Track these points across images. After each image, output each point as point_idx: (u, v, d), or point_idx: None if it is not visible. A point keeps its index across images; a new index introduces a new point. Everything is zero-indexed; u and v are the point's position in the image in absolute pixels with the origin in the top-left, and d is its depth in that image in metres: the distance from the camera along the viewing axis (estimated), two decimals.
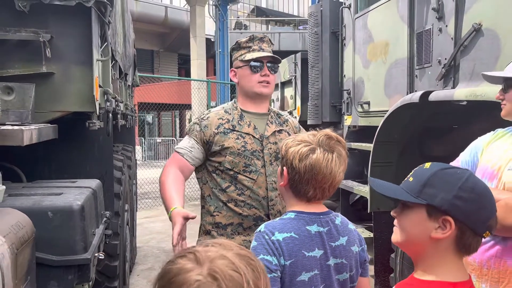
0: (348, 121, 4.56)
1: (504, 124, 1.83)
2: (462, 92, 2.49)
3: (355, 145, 4.26)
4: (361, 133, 4.46)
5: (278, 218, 1.43)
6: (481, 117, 2.72)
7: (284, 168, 1.43)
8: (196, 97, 13.51)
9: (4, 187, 1.20)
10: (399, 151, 3.41)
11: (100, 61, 2.43)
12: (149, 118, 24.95)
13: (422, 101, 2.79)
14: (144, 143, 19.58)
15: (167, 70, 27.50)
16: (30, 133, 1.71)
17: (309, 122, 5.09)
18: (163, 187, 1.98)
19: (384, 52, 3.79)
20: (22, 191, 1.93)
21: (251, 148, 2.04)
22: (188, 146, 2.06)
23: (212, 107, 12.94)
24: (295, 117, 5.63)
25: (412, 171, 1.20)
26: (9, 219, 1.43)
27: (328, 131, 1.47)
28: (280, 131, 2.14)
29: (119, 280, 3.12)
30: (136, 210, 6.21)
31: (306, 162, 1.37)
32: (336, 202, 4.73)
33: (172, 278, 0.76)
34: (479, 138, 1.90)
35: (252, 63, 2.10)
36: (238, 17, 28.61)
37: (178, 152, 2.06)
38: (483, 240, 1.64)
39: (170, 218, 1.81)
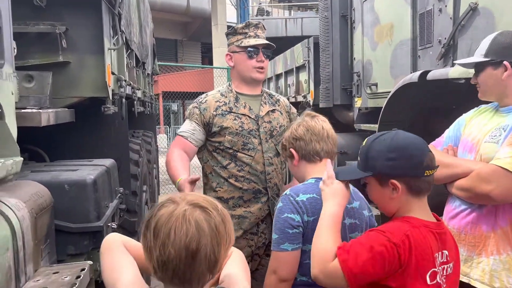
0: (358, 103, 4.63)
1: None
2: (456, 70, 2.56)
3: (365, 126, 4.35)
4: (371, 114, 4.52)
5: (301, 184, 1.67)
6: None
7: (291, 149, 1.72)
8: (218, 84, 13.71)
9: (21, 158, 1.40)
10: (404, 131, 3.49)
11: (111, 50, 2.62)
12: (174, 106, 25.35)
13: (421, 80, 2.87)
14: (169, 131, 19.97)
15: (190, 59, 27.77)
16: (47, 115, 1.92)
17: (321, 105, 5.18)
18: (169, 165, 2.15)
19: (389, 34, 3.85)
20: (43, 168, 2.16)
21: (248, 128, 2.20)
22: (190, 129, 2.21)
23: None
24: (309, 101, 5.73)
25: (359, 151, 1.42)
26: (29, 189, 1.64)
27: (307, 111, 1.83)
28: (273, 111, 2.31)
29: None
30: (158, 194, 6.48)
31: (302, 127, 1.70)
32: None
33: (159, 219, 0.94)
34: (463, 114, 2.00)
35: (249, 49, 2.24)
36: (260, 3, 28.48)
37: (181, 136, 2.21)
38: (461, 208, 1.78)
39: (178, 188, 1.99)
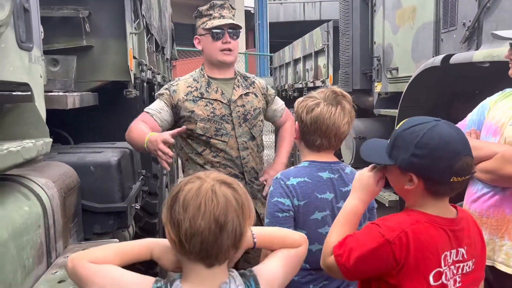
0: (378, 87, 4.59)
1: None
2: (481, 53, 2.52)
3: (384, 111, 4.32)
4: (391, 99, 4.48)
5: (293, 167, 1.61)
6: (505, 80, 2.73)
7: (296, 122, 1.62)
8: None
9: (50, 139, 1.45)
10: (425, 115, 3.45)
11: (133, 34, 2.65)
12: None
13: (444, 64, 2.83)
14: None
15: None
16: (73, 98, 1.97)
17: None
18: (130, 132, 2.00)
19: (411, 17, 3.78)
20: (69, 150, 2.22)
21: (220, 113, 2.14)
22: (158, 107, 2.12)
23: None
24: (328, 85, 5.70)
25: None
26: (58, 169, 1.70)
27: (335, 87, 1.63)
28: (247, 94, 2.23)
29: (159, 236, 3.44)
30: (177, 177, 6.57)
31: (312, 115, 1.54)
32: None
33: (187, 193, 0.97)
34: (487, 98, 1.97)
35: (214, 31, 2.15)
36: None
37: (147, 112, 2.10)
38: (483, 191, 1.77)
39: (147, 145, 1.84)
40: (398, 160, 1.20)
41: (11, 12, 1.19)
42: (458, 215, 1.27)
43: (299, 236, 1.19)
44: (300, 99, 1.64)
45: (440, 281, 1.18)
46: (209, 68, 2.23)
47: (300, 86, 7.15)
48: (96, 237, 1.98)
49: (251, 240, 1.09)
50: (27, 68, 1.39)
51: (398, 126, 1.27)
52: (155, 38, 4.07)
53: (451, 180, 1.16)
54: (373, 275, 1.21)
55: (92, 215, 1.96)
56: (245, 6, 20.29)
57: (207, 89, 2.17)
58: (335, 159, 1.64)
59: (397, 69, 4.09)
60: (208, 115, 2.12)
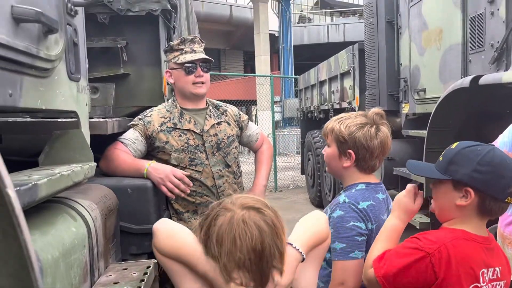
0: (405, 109, 4.59)
1: None
2: (510, 74, 2.52)
3: (413, 132, 4.30)
4: (419, 120, 4.47)
5: (353, 190, 1.60)
6: None
7: (350, 151, 1.59)
8: (261, 92, 13.87)
9: (95, 163, 1.54)
10: (455, 136, 3.44)
11: (167, 62, 2.77)
12: None
13: (473, 85, 2.83)
14: None
15: (233, 67, 28.21)
16: (112, 124, 2.07)
17: None
18: (110, 161, 2.09)
19: (438, 39, 3.80)
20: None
21: (194, 143, 2.21)
22: (132, 137, 2.18)
23: (276, 102, 13.23)
24: (354, 107, 5.72)
25: (443, 152, 1.38)
26: (99, 192, 1.78)
27: (375, 109, 1.66)
28: (219, 123, 2.31)
29: None
30: None
31: (378, 141, 1.57)
32: (395, 190, 4.79)
33: (220, 228, 1.01)
34: None
35: (186, 65, 2.23)
36: (302, 11, 28.56)
37: (122, 142, 2.16)
38: None
39: (148, 174, 2.03)
40: (458, 175, 1.25)
41: (64, 47, 1.30)
42: (488, 234, 1.32)
43: (326, 227, 1.23)
44: (345, 126, 1.59)
45: None
46: (182, 100, 2.31)
47: (326, 107, 7.19)
48: (133, 257, 2.04)
49: (298, 255, 1.10)
50: (75, 97, 1.49)
51: (453, 146, 1.33)
52: None
53: (506, 200, 1.22)
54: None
55: (128, 236, 2.02)
56: (269, 30, 20.64)
57: (180, 119, 2.24)
58: (377, 179, 1.69)
59: (424, 90, 4.09)
60: (182, 146, 2.19)
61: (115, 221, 1.86)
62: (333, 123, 1.64)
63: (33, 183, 1.02)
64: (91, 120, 2.01)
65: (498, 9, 2.95)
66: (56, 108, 1.30)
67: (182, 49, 2.27)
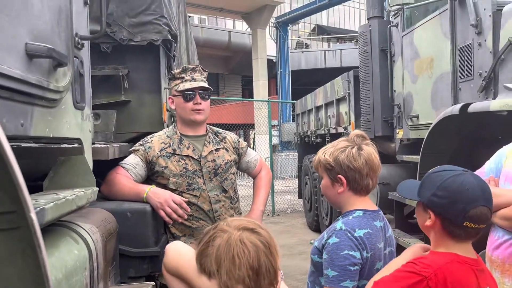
0: (400, 134, 4.68)
1: None
2: (498, 103, 2.62)
3: (407, 157, 4.38)
4: (413, 146, 4.55)
5: (351, 217, 1.59)
6: None
7: (340, 176, 1.61)
8: (259, 116, 14.03)
9: (97, 188, 1.60)
10: (447, 162, 3.51)
11: (167, 89, 2.86)
12: None
13: (462, 113, 2.93)
14: None
15: (231, 91, 28.52)
16: (113, 149, 2.14)
17: None
18: (111, 185, 2.16)
19: (429, 67, 3.93)
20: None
21: (192, 169, 2.29)
22: (133, 162, 2.26)
23: (273, 126, 13.37)
24: (350, 132, 5.81)
25: None
26: (100, 215, 1.84)
27: (356, 131, 1.71)
28: (217, 150, 2.39)
29: None
30: None
31: (362, 159, 1.58)
32: (391, 214, 4.84)
33: (218, 248, 1.08)
34: (504, 146, 2.05)
35: (186, 93, 2.33)
36: (299, 37, 29.09)
37: (123, 167, 2.23)
38: (504, 238, 1.82)
39: (148, 198, 2.10)
40: (423, 197, 1.36)
41: (71, 79, 1.39)
42: (477, 256, 1.38)
43: None
44: (329, 154, 1.63)
45: None
46: (182, 126, 2.40)
47: (323, 132, 7.29)
48: (131, 280, 2.08)
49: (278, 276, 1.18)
50: (80, 125, 1.57)
51: (432, 170, 1.42)
52: None
53: (464, 224, 1.27)
54: None
55: (127, 259, 2.07)
56: (267, 55, 20.99)
57: (179, 145, 2.32)
58: (375, 206, 1.71)
59: (417, 116, 4.20)
60: (180, 171, 2.27)
61: (115, 244, 1.91)
62: (319, 155, 1.68)
63: (40, 207, 1.09)
64: (93, 146, 2.08)
65: (485, 40, 3.07)
66: (61, 136, 1.38)
67: (183, 78, 2.37)
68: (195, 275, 1.13)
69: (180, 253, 1.24)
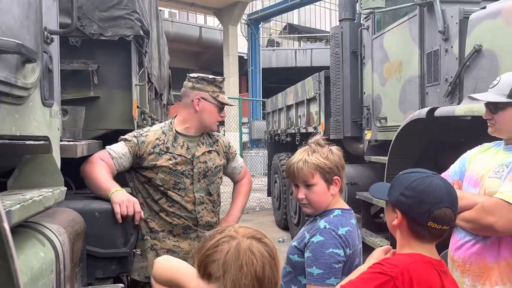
0: (368, 135, 4.78)
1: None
2: (462, 108, 2.71)
3: (375, 158, 4.48)
4: (381, 147, 4.66)
5: (331, 216, 1.65)
6: (486, 133, 2.91)
7: (336, 178, 1.67)
8: (229, 113, 13.95)
9: (65, 188, 1.55)
10: (413, 164, 3.62)
11: (138, 86, 2.80)
12: None
13: (429, 117, 3.02)
14: None
15: None
16: (82, 147, 2.08)
17: (331, 137, 5.33)
18: (91, 167, 2.11)
19: (398, 71, 4.02)
20: (74, 196, 2.31)
21: (181, 168, 2.29)
22: (121, 152, 2.23)
23: (243, 123, 13.36)
24: (320, 132, 5.88)
25: None
26: (67, 215, 1.78)
27: (314, 139, 1.76)
28: (210, 151, 2.41)
29: None
30: None
31: (333, 155, 1.67)
32: (358, 213, 4.94)
33: (226, 255, 1.06)
34: (468, 151, 2.13)
35: (222, 105, 2.39)
36: (271, 35, 29.18)
37: (109, 153, 2.21)
38: (466, 239, 1.89)
39: (113, 196, 2.01)
40: (391, 197, 1.40)
41: (40, 75, 1.34)
42: (440, 259, 1.41)
43: None
44: (323, 158, 1.66)
45: None
46: (182, 124, 2.38)
47: (293, 131, 7.34)
48: (98, 282, 2.03)
49: None
50: (48, 122, 1.51)
51: (402, 172, 1.46)
52: (154, 87, 4.25)
53: (429, 224, 1.32)
54: None
55: (94, 260, 2.02)
56: (238, 52, 20.94)
57: (173, 143, 2.32)
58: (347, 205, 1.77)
59: (385, 118, 4.30)
60: (170, 168, 2.26)
61: (82, 245, 1.86)
62: (307, 164, 1.66)
63: (6, 209, 1.04)
64: (61, 143, 2.02)
65: (452, 47, 3.18)
66: (29, 134, 1.33)
67: (221, 88, 2.40)
68: (191, 278, 1.11)
69: (170, 261, 1.22)
